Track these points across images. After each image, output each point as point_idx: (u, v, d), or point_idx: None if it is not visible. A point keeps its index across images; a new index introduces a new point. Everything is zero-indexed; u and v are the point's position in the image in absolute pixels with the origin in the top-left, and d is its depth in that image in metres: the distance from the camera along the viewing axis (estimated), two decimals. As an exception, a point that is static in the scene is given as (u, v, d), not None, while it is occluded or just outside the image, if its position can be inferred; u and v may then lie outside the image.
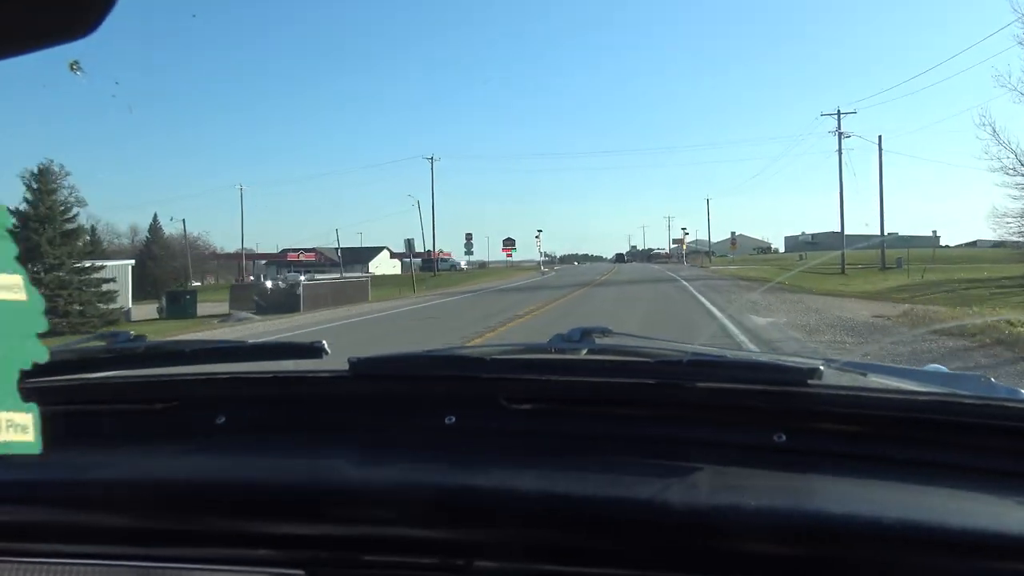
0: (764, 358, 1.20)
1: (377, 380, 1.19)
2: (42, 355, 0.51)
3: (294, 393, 1.21)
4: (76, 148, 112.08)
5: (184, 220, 59.24)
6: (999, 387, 1.14)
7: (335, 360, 1.24)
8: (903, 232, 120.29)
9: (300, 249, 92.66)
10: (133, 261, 35.89)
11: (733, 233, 69.36)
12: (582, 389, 1.12)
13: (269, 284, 30.34)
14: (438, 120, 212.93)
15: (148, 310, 31.61)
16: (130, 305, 33.67)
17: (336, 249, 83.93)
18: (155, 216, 63.29)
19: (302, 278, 33.87)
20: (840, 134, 40.31)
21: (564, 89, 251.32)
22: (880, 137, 40.20)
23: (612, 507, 0.83)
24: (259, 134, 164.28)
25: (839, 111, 41.23)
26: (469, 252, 79.07)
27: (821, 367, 1.02)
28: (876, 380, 1.18)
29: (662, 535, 0.80)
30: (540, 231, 70.30)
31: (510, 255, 77.14)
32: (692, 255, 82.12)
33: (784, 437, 0.97)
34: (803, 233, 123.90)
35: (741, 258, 73.71)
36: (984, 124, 26.98)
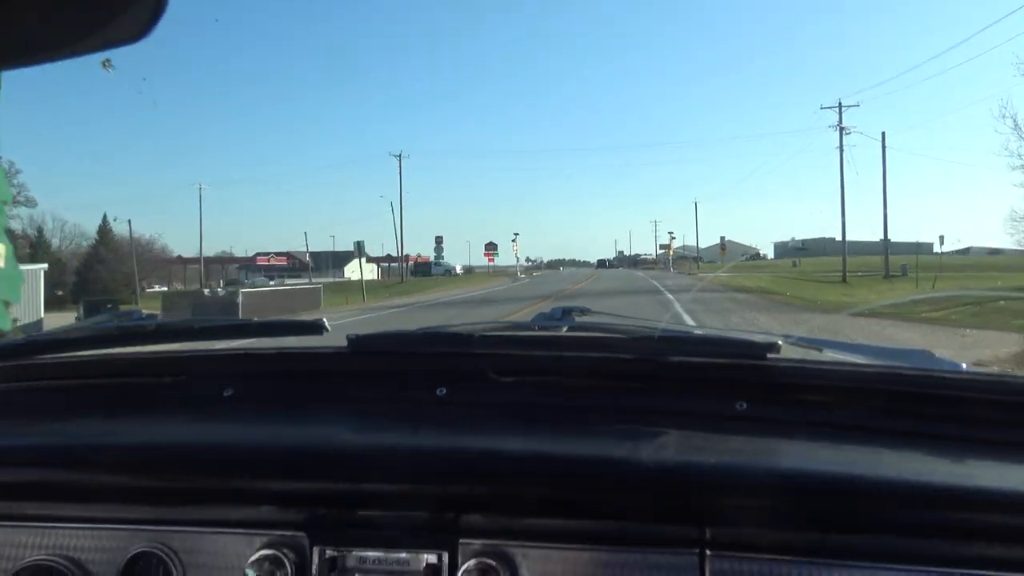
0: (728, 334, 1.28)
1: (374, 356, 1.29)
2: (6, 324, 0.58)
3: (297, 368, 1.31)
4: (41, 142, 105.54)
5: (129, 221, 53.81)
6: (943, 360, 1.21)
7: (335, 337, 1.34)
8: (896, 238, 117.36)
9: (271, 253, 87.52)
10: (46, 265, 31.61)
11: (722, 238, 64.15)
12: (564, 363, 1.21)
13: (207, 292, 28.71)
14: (426, 119, 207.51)
15: (69, 318, 27.16)
16: (42, 315, 28.96)
17: (308, 253, 78.86)
18: (104, 216, 58.19)
19: (271, 283, 29.93)
20: (841, 129, 36.10)
21: (549, 89, 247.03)
22: (884, 134, 36.06)
23: (589, 464, 0.91)
24: (232, 129, 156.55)
25: (840, 104, 37.04)
26: (439, 256, 74.05)
27: (779, 341, 1.12)
28: (829, 354, 1.26)
29: (635, 489, 0.89)
30: (516, 235, 65.98)
31: (492, 260, 75.63)
32: (679, 261, 78.02)
33: (745, 405, 1.08)
34: (793, 239, 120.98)
35: (731, 265, 69.88)
36: (1004, 115, 22.39)
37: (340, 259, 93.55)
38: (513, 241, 64.75)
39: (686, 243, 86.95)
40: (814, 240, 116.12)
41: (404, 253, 57.17)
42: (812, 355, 1.25)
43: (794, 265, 58.61)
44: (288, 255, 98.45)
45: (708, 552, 0.87)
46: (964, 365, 1.20)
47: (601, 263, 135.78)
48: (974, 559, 0.82)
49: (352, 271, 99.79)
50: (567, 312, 1.43)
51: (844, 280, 32.89)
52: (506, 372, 1.19)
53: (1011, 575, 0.81)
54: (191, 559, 0.98)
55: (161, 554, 0.97)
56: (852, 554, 0.84)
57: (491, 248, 73.01)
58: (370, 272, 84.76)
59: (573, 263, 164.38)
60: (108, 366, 1.36)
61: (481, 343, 1.26)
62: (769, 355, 1.10)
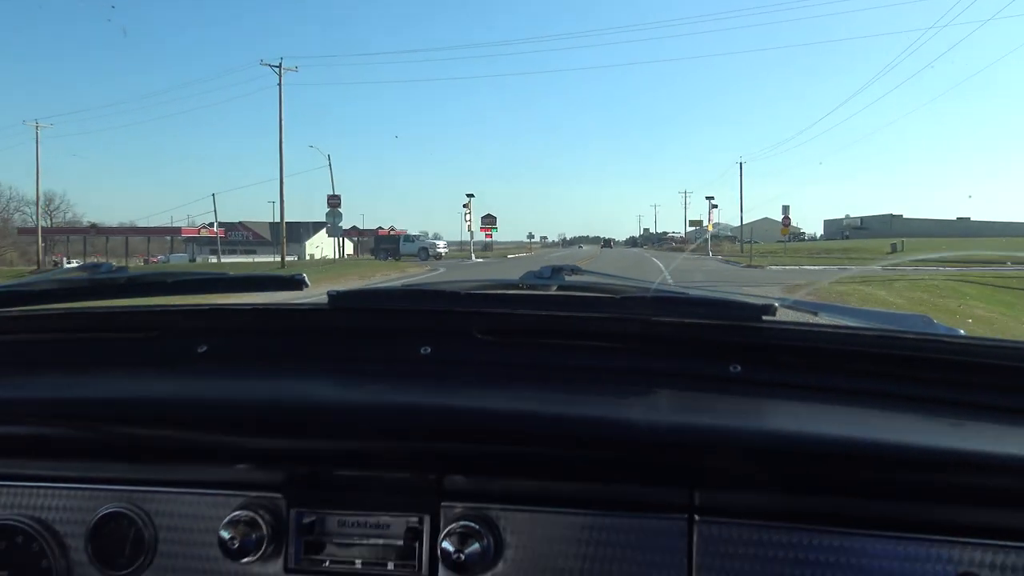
0: (723, 295, 1.26)
1: (355, 312, 1.28)
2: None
3: (274, 324, 1.30)
4: None
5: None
6: (939, 326, 1.21)
7: (313, 293, 1.29)
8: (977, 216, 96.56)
9: (205, 224, 68.21)
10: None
11: (786, 208, 43.59)
12: (551, 322, 1.21)
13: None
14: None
15: None
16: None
17: (270, 224, 58.89)
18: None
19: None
20: None
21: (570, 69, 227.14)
22: None
23: (577, 424, 0.91)
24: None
25: None
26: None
27: (775, 304, 1.13)
28: (825, 318, 1.28)
29: (624, 450, 0.89)
30: (471, 196, 45.64)
31: (490, 235, 61.38)
32: (720, 240, 56.69)
33: (739, 368, 1.09)
34: (847, 216, 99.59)
35: (787, 248, 49.09)
36: None
37: (298, 232, 72.98)
38: (465, 206, 44.57)
39: (719, 220, 65.69)
40: (876, 218, 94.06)
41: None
42: (808, 319, 1.26)
43: (893, 249, 38.19)
44: (242, 225, 77.74)
45: (697, 517, 0.88)
46: (962, 331, 1.20)
47: (606, 243, 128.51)
48: (971, 526, 0.82)
49: (316, 246, 78.75)
50: (557, 270, 1.36)
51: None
52: (492, 331, 1.18)
53: (1009, 542, 0.81)
54: (163, 520, 0.97)
55: (132, 515, 0.97)
56: (845, 521, 0.85)
57: (488, 222, 58.00)
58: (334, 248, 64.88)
59: (597, 240, 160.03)
60: (78, 320, 1.31)
61: (467, 301, 1.25)
62: (764, 317, 1.11)
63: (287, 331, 1.28)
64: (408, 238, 55.41)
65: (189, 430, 0.96)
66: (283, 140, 33.67)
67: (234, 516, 0.93)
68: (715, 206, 52.96)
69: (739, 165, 65.38)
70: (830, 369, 1.07)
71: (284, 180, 33.90)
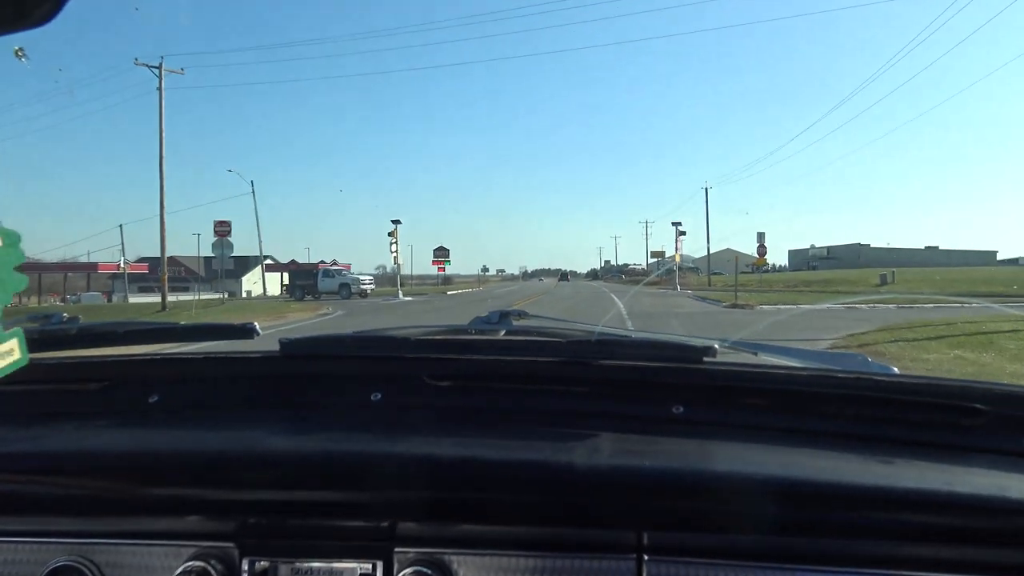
0: (665, 338, 1.29)
1: (307, 360, 1.29)
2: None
3: (226, 372, 1.33)
4: None
5: None
6: (873, 364, 1.25)
7: (265, 341, 1.34)
8: (944, 245, 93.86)
9: (148, 259, 62.28)
10: None
11: (761, 235, 36.76)
12: (499, 367, 1.25)
13: None
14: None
15: None
16: None
17: (200, 258, 52.79)
18: None
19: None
20: None
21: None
22: None
23: (521, 469, 0.94)
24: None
25: None
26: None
27: (715, 345, 1.18)
28: (765, 358, 1.31)
29: (568, 494, 0.92)
30: (397, 222, 39.65)
31: (442, 269, 57.22)
32: (684, 272, 51.52)
33: (682, 409, 1.12)
34: (813, 246, 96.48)
35: (762, 279, 43.85)
36: None
37: (235, 267, 65.69)
38: (391, 234, 38.54)
39: (681, 252, 59.83)
40: (844, 247, 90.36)
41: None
42: (748, 359, 1.29)
43: (883, 281, 33.42)
44: (173, 261, 70.39)
45: (646, 557, 0.91)
46: (895, 369, 1.24)
47: (563, 276, 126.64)
48: (906, 560, 0.88)
49: (254, 282, 71.52)
50: (504, 315, 1.41)
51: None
52: (441, 376, 1.22)
53: (934, 574, 0.87)
54: (114, 572, 0.98)
55: (83, 568, 0.98)
56: (789, 557, 0.89)
57: (441, 254, 54.81)
58: (276, 284, 57.58)
59: (557, 273, 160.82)
60: (27, 371, 1.28)
61: (416, 347, 1.28)
62: (706, 359, 1.16)
63: (238, 379, 1.30)
64: (328, 273, 46.92)
65: (141, 484, 0.97)
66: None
67: (186, 567, 0.94)
68: (683, 233, 46.84)
69: (704, 191, 60.82)
70: (769, 408, 1.12)
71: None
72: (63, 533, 0.98)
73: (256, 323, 1.37)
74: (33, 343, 1.30)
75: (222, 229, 33.13)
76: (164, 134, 28.47)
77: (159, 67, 28.75)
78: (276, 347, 1.25)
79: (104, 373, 1.28)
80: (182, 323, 1.48)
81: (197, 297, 29.02)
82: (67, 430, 1.12)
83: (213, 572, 0.92)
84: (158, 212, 27.56)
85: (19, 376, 1.31)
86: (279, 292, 51.25)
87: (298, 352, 1.25)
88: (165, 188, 27.14)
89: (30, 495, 0.97)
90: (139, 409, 1.20)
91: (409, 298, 42.18)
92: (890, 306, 21.95)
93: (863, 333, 13.08)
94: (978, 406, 1.04)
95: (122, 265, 48.25)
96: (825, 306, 23.44)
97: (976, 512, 0.85)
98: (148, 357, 1.32)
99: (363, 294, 44.24)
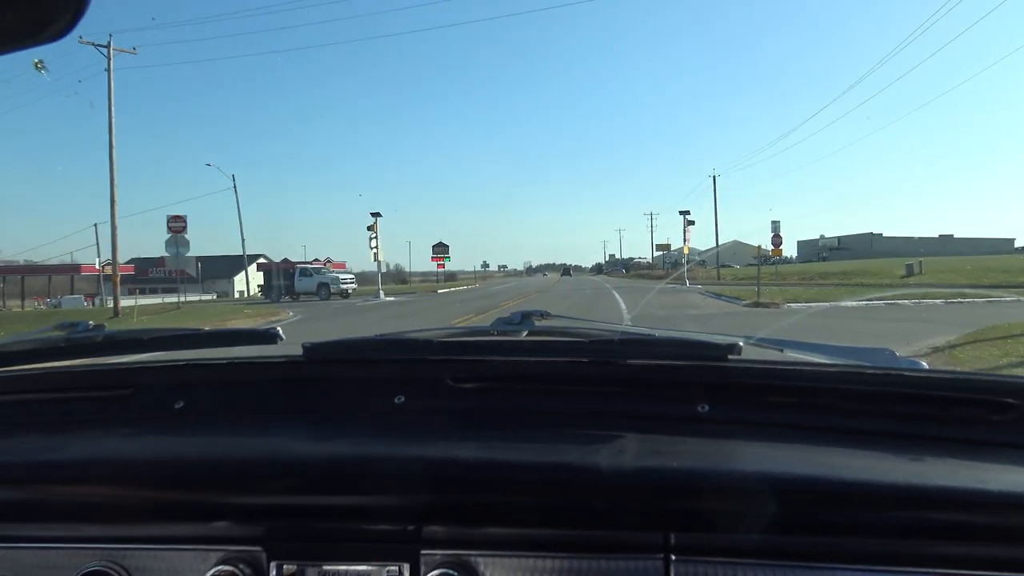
0: (689, 336, 1.28)
1: (330, 364, 1.31)
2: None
3: (250, 378, 1.34)
4: None
5: None
6: (901, 360, 1.25)
7: (289, 346, 1.35)
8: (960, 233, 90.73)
9: (136, 260, 60.64)
10: None
11: (776, 224, 32.21)
12: (522, 368, 1.25)
13: None
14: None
15: None
16: None
17: (197, 260, 49.43)
18: None
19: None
20: None
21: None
22: None
23: (546, 471, 0.95)
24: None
25: None
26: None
27: (740, 343, 1.16)
28: (791, 354, 1.31)
29: (592, 495, 0.92)
30: (377, 215, 36.82)
31: (442, 265, 55.23)
32: (691, 266, 48.80)
33: (707, 407, 1.12)
34: (823, 236, 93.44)
35: (766, 272, 40.54)
36: None
37: (224, 267, 63.90)
38: (370, 228, 35.69)
39: (679, 243, 56.22)
40: (855, 237, 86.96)
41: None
42: (773, 355, 1.28)
43: (909, 272, 30.93)
44: (162, 262, 67.92)
45: (673, 557, 0.92)
46: (924, 363, 1.24)
47: (566, 271, 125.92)
48: (937, 558, 0.88)
49: (242, 282, 69.51)
50: (527, 316, 1.42)
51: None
52: (464, 378, 1.22)
53: (970, 572, 0.87)
54: None
55: (114, 572, 1.00)
56: (816, 556, 0.90)
57: (441, 251, 52.86)
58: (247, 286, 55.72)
59: (564, 267, 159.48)
60: (55, 379, 1.34)
61: (438, 349, 1.27)
62: (730, 356, 1.14)
63: (262, 384, 1.30)
64: (305, 272, 42.99)
65: (168, 490, 0.99)
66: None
67: (215, 571, 0.96)
68: (692, 222, 42.30)
69: (712, 178, 57.75)
70: (796, 406, 1.11)
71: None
72: (94, 539, 1.00)
73: (279, 328, 1.34)
74: (60, 351, 1.29)
75: (176, 225, 28.32)
76: (114, 119, 25.29)
77: (107, 46, 25.11)
78: (299, 351, 1.26)
79: (130, 380, 1.29)
80: (206, 329, 1.45)
81: (136, 303, 25.94)
82: (95, 437, 1.14)
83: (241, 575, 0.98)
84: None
85: (47, 384, 1.27)
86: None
87: (321, 356, 1.26)
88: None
89: (60, 502, 1.00)
90: (165, 415, 1.21)
91: (391, 298, 39.52)
92: (937, 301, 19.11)
93: (954, 346, 9.97)
94: (1009, 400, 1.02)
95: (98, 265, 45.61)
96: (861, 302, 19.24)
97: (1008, 509, 0.84)
98: (173, 363, 1.33)
99: (344, 294, 41.29)
